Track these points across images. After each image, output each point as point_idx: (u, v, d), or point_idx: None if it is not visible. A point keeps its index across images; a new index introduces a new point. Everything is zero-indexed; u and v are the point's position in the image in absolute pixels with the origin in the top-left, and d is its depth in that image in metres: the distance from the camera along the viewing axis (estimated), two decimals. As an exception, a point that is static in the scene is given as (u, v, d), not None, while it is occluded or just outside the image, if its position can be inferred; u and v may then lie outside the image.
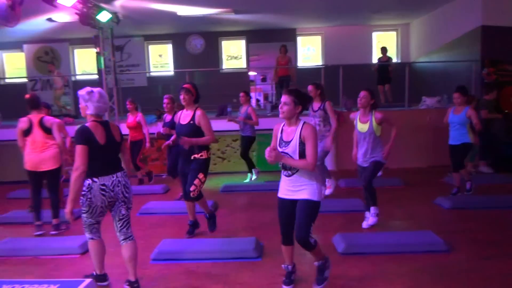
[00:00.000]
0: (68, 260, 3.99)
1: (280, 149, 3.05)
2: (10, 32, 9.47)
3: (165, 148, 5.49)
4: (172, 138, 5.25)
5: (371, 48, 12.56)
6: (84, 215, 3.19)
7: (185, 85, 4.32)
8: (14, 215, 5.68)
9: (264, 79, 11.64)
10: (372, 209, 4.61)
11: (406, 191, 6.43)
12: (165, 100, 5.99)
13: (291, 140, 3.00)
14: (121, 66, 12.01)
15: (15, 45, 12.38)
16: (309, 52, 13.04)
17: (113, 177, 3.15)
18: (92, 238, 3.28)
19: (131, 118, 7.20)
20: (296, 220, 3.03)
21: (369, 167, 4.51)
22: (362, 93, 4.46)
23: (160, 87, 12.19)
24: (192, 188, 4.27)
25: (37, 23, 9.68)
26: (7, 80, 13.00)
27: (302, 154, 2.96)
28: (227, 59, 13.00)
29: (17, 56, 12.88)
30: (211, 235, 4.58)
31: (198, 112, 4.24)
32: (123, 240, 3.27)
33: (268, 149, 2.93)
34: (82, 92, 3.22)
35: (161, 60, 13.08)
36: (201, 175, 4.29)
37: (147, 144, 7.12)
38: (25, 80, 12.38)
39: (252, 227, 4.93)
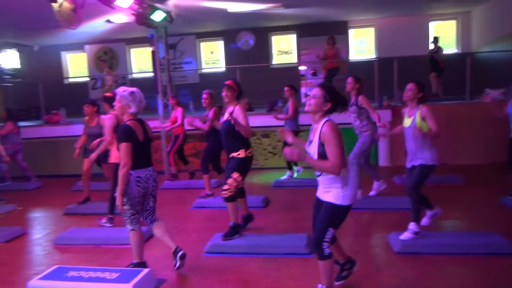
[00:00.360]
0: (127, 250, 4.16)
1: (306, 148, 2.94)
2: (72, 34, 10.07)
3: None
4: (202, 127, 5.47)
5: (427, 39, 11.95)
6: (124, 207, 3.37)
7: (226, 82, 4.26)
8: (78, 206, 6.03)
9: (314, 73, 11.48)
10: (411, 225, 3.98)
11: (467, 189, 6.09)
12: (204, 96, 6.02)
13: (313, 139, 2.87)
14: (174, 63, 12.36)
15: (78, 46, 13.15)
16: (363, 44, 12.67)
17: (146, 170, 3.40)
18: (133, 229, 3.48)
19: (173, 114, 7.45)
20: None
21: (415, 172, 3.99)
22: (409, 86, 4.09)
23: (212, 84, 12.37)
24: (225, 187, 4.14)
25: (97, 25, 10.20)
26: (70, 80, 13.83)
27: (322, 156, 2.77)
28: (278, 54, 12.95)
29: (80, 56, 13.67)
30: (263, 231, 4.60)
31: (236, 108, 4.17)
32: (150, 223, 3.55)
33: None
34: (124, 93, 3.35)
35: (212, 56, 13.30)
36: (235, 175, 4.12)
37: (165, 127, 7.56)
38: (87, 79, 13.11)
39: (304, 223, 4.86)
